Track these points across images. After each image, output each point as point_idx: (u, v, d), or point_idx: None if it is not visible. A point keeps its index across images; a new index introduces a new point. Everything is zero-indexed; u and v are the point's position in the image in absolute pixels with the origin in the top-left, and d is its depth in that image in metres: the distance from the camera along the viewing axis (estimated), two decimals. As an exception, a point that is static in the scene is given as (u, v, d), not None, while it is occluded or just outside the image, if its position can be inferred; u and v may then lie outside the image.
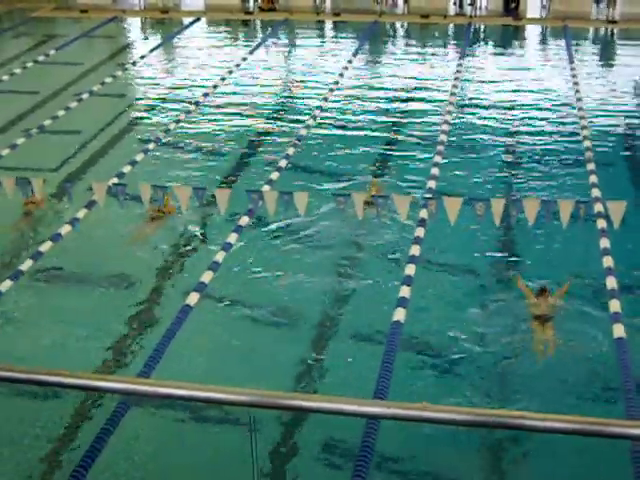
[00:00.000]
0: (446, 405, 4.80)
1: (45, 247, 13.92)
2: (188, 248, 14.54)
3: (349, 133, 19.49)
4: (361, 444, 9.11)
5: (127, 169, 17.02)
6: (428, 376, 10.98)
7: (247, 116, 20.86)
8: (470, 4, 32.20)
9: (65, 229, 14.51)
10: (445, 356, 11.27)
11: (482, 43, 29.30)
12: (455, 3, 32.60)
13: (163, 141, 18.95)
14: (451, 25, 31.13)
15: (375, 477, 9.04)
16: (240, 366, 11.12)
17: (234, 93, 22.76)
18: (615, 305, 11.89)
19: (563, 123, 19.97)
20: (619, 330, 11.29)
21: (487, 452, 9.64)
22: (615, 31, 30.29)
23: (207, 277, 12.88)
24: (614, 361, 10.84)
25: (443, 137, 18.56)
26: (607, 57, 28.17)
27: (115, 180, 15.75)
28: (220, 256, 13.52)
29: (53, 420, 10.14)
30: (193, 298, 12.30)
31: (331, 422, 9.32)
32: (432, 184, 15.90)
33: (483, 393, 10.57)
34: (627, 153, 18.47)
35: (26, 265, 13.38)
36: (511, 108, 21.19)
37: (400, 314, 11.63)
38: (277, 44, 29.37)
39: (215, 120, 20.51)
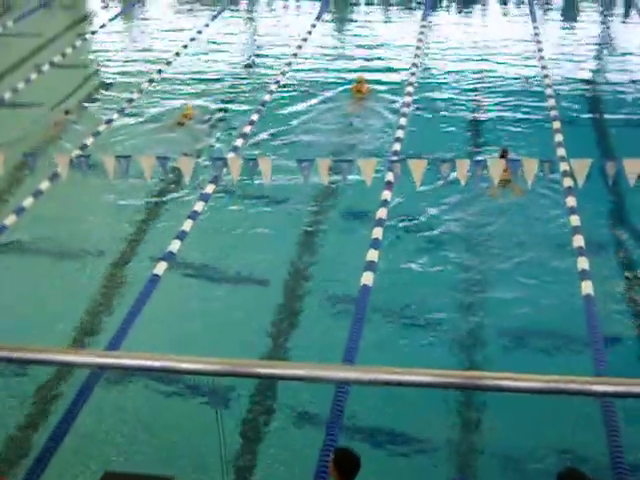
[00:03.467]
0: (415, 368, 4.79)
1: (10, 220, 13.80)
2: (155, 217, 14.45)
3: (313, 99, 19.38)
4: (331, 408, 9.14)
5: (90, 141, 16.84)
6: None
7: (211, 83, 20.66)
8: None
9: (28, 201, 14.39)
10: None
11: (445, 2, 29.14)
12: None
13: (126, 111, 18.78)
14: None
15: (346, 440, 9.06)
16: (210, 333, 11.09)
17: (197, 61, 22.55)
18: (582, 262, 11.98)
19: (527, 82, 19.98)
20: (587, 287, 11.39)
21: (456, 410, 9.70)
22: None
23: (175, 246, 12.83)
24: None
25: (407, 99, 18.51)
26: (570, 15, 28.16)
27: (78, 152, 15.60)
28: (187, 225, 13.46)
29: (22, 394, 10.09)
30: (161, 267, 12.25)
31: (301, 388, 9.38)
32: (397, 147, 15.88)
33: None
34: (591, 110, 18.49)
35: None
36: (476, 69, 21.15)
37: (368, 277, 11.65)
38: (239, 10, 29.12)
39: (178, 88, 20.33)
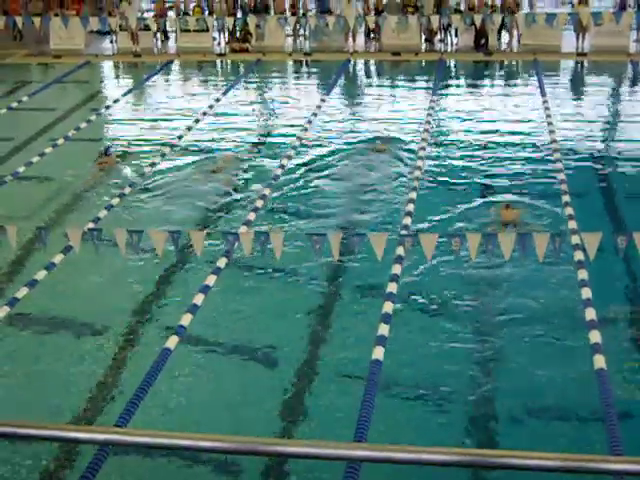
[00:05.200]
0: (427, 446, 4.75)
1: (21, 293, 13.79)
2: (166, 291, 14.48)
3: (324, 172, 19.52)
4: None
5: (103, 214, 16.93)
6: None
7: (222, 158, 20.82)
8: (441, 40, 32.52)
9: (41, 274, 14.40)
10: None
11: (454, 79, 29.51)
12: (426, 40, 32.89)
13: (139, 185, 18.90)
14: (423, 62, 31.41)
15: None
16: (222, 411, 11.05)
17: (209, 135, 22.76)
18: (595, 336, 11.89)
19: (537, 157, 20.08)
20: (600, 361, 11.29)
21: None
22: (585, 63, 30.66)
23: (186, 320, 12.79)
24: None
25: (418, 173, 18.61)
26: (578, 89, 28.48)
27: (91, 225, 15.68)
28: (199, 299, 13.44)
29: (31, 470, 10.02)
30: (172, 341, 12.21)
31: (313, 467, 9.29)
32: (408, 221, 15.92)
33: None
34: (601, 184, 18.57)
35: (2, 312, 13.25)
36: (484, 145, 21.31)
37: (379, 352, 11.57)
38: (250, 85, 29.53)
39: (190, 162, 20.49)
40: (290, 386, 11.57)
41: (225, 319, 13.40)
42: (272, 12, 34.51)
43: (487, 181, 18.59)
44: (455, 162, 19.91)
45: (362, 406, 10.36)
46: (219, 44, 33.95)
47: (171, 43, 34.76)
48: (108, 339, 12.97)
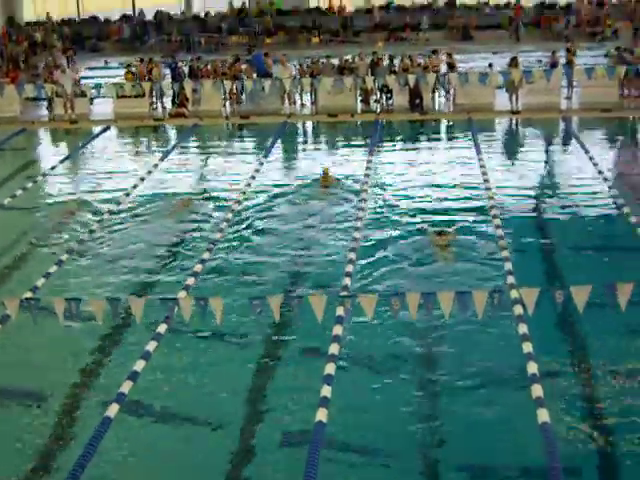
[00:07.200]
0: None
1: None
2: (106, 358, 14.31)
3: (262, 234, 19.57)
4: None
5: (41, 282, 16.70)
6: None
7: (160, 223, 20.73)
8: (376, 101, 32.88)
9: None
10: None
11: (390, 139, 29.77)
12: (362, 101, 33.21)
13: (76, 252, 18.72)
14: (359, 123, 31.75)
15: None
16: (165, 476, 10.91)
17: (147, 201, 22.63)
18: (537, 390, 11.94)
19: (474, 214, 20.29)
20: (543, 415, 11.32)
21: None
22: (519, 121, 31.21)
23: (126, 387, 12.62)
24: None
25: (356, 234, 18.67)
26: (512, 146, 28.93)
27: (29, 294, 15.48)
28: (140, 365, 13.27)
29: None
30: (113, 409, 12.02)
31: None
32: (347, 281, 15.92)
33: None
34: (538, 239, 18.80)
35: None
36: (422, 201, 21.55)
37: (322, 414, 11.50)
38: (188, 149, 29.59)
39: (129, 228, 20.39)
40: (233, 451, 11.47)
41: (165, 385, 13.26)
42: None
43: (423, 238, 18.72)
44: (393, 218, 20.07)
45: (306, 469, 10.29)
46: (156, 109, 34.00)
47: (108, 109, 34.58)
48: (47, 408, 12.77)
